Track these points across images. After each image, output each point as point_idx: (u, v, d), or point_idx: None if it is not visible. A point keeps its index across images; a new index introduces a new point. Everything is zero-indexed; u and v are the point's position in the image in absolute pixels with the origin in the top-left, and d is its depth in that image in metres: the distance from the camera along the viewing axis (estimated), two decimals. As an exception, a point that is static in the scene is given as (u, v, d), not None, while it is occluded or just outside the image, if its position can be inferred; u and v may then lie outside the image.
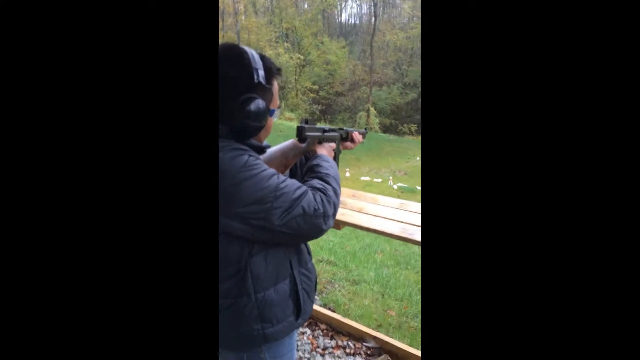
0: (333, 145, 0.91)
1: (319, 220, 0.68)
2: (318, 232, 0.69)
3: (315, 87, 16.35)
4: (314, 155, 0.84)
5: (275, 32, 16.67)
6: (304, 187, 0.68)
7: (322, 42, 17.24)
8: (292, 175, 0.92)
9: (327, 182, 0.74)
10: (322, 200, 0.69)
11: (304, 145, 0.84)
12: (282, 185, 0.65)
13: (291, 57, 15.42)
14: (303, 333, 1.67)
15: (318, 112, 16.19)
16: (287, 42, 16.79)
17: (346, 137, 1.00)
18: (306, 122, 0.84)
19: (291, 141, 0.85)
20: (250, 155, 0.65)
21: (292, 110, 14.83)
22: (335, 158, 0.92)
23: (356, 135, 1.02)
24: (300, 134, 0.83)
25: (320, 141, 0.88)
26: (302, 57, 15.92)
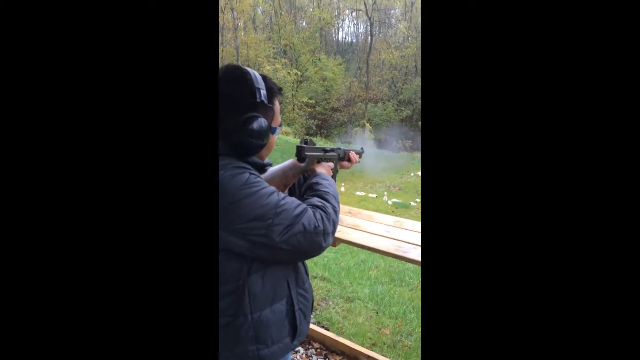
0: (331, 164, 0.93)
1: (319, 237, 0.68)
2: (318, 250, 0.69)
3: (312, 102, 16.55)
4: (313, 174, 0.85)
5: (273, 48, 16.98)
6: (304, 205, 0.69)
7: (319, 59, 17.56)
8: (290, 195, 0.93)
9: (327, 200, 0.74)
10: (321, 218, 0.69)
11: (303, 164, 0.86)
12: (283, 202, 0.65)
13: (289, 73, 15.65)
14: (296, 352, 1.64)
15: (314, 127, 16.34)
16: (285, 58, 17.07)
17: (343, 157, 1.02)
18: (305, 142, 0.87)
19: (291, 161, 0.86)
20: (252, 174, 0.66)
21: (288, 125, 14.95)
22: (333, 177, 0.94)
23: (353, 155, 1.05)
24: (300, 153, 0.85)
25: (319, 160, 0.90)
26: (299, 73, 16.17)
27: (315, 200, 0.73)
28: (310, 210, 0.69)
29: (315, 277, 2.54)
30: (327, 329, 1.80)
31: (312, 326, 1.75)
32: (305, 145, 0.86)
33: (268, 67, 15.60)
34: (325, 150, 0.92)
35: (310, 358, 1.60)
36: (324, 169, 0.88)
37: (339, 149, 1.00)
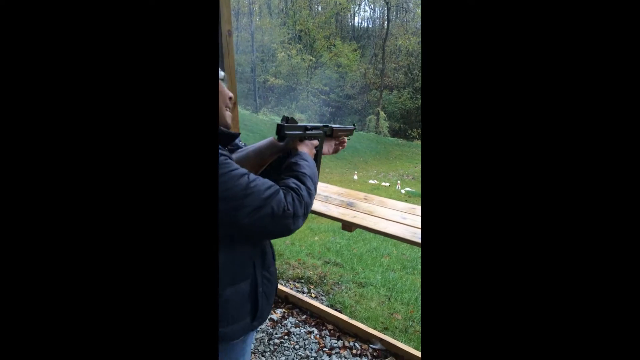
0: (315, 142, 0.90)
1: (288, 220, 0.68)
2: (285, 232, 0.69)
3: (326, 88, 16.40)
4: (295, 152, 0.83)
5: (288, 33, 16.78)
6: (275, 187, 0.69)
7: (334, 45, 17.30)
8: (266, 175, 0.92)
9: (302, 182, 0.74)
10: (292, 201, 0.69)
11: (282, 143, 0.83)
12: (252, 184, 0.65)
13: (303, 59, 15.50)
14: (310, 332, 1.69)
15: (328, 114, 16.23)
16: (299, 43, 16.88)
17: (331, 134, 0.97)
18: (287, 120, 0.83)
19: (268, 140, 0.84)
20: (222, 154, 0.66)
21: (302, 112, 14.90)
22: (317, 156, 0.92)
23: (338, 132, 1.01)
24: (280, 132, 0.82)
25: (302, 139, 0.86)
26: (314, 59, 15.99)
27: (290, 182, 0.72)
28: (281, 193, 0.68)
29: (328, 263, 2.59)
30: (340, 312, 1.84)
31: (325, 308, 1.80)
32: (286, 124, 0.82)
33: (282, 53, 15.47)
34: (306, 129, 0.87)
35: (324, 339, 1.65)
36: (306, 148, 0.86)
37: (326, 126, 0.95)
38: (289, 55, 15.40)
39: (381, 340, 1.58)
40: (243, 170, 0.67)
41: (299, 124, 0.86)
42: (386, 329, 1.79)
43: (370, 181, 7.57)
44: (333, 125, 0.98)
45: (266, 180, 0.69)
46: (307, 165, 0.79)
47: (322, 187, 1.68)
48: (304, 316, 1.81)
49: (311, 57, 15.84)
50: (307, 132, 0.88)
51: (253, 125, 10.46)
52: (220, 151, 0.66)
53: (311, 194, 0.74)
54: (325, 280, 2.27)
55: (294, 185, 0.72)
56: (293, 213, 0.68)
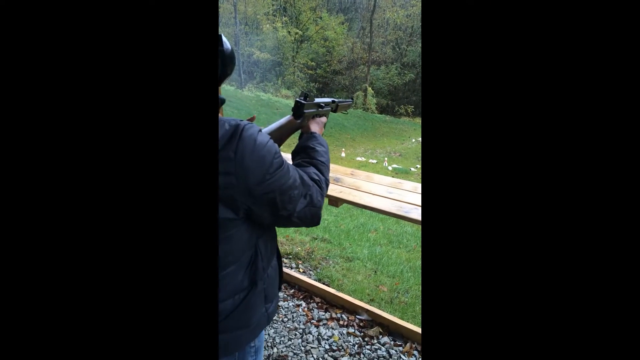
0: (324, 120, 0.89)
1: (320, 211, 0.70)
2: (317, 222, 0.70)
3: (313, 64, 16.01)
4: (308, 132, 0.82)
5: (273, 4, 16.11)
6: (306, 178, 0.68)
7: (320, 17, 16.74)
8: None
9: (322, 173, 0.73)
10: (319, 193, 0.69)
11: (299, 121, 0.82)
12: (297, 173, 0.66)
13: (289, 32, 15.00)
14: (298, 305, 1.73)
15: (315, 90, 15.95)
16: (285, 16, 16.25)
17: (335, 109, 0.98)
18: (305, 97, 0.80)
19: (286, 118, 0.82)
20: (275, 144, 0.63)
21: (288, 88, 14.58)
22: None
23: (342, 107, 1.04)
24: (299, 110, 0.80)
25: (314, 116, 0.85)
26: (300, 33, 15.49)
27: (313, 173, 0.71)
28: (315, 186, 0.69)
29: (316, 239, 2.62)
30: (327, 285, 1.88)
31: (313, 282, 1.83)
32: (305, 102, 0.80)
33: (267, 25, 14.91)
34: (319, 106, 0.86)
35: (312, 311, 1.69)
36: (317, 127, 0.85)
37: (333, 101, 0.96)
38: (274, 28, 14.86)
39: (367, 311, 1.63)
40: (284, 160, 0.65)
41: (314, 102, 0.84)
42: (372, 300, 1.84)
43: (358, 158, 7.59)
44: (338, 100, 0.97)
45: (296, 169, 0.68)
46: (324, 152, 0.77)
47: (309, 163, 1.66)
48: (292, 290, 1.84)
49: (297, 30, 15.32)
50: (320, 109, 0.86)
51: (238, 102, 10.19)
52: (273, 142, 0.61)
53: (328, 184, 0.74)
54: (313, 256, 2.31)
55: (316, 177, 0.71)
56: (321, 205, 0.69)
